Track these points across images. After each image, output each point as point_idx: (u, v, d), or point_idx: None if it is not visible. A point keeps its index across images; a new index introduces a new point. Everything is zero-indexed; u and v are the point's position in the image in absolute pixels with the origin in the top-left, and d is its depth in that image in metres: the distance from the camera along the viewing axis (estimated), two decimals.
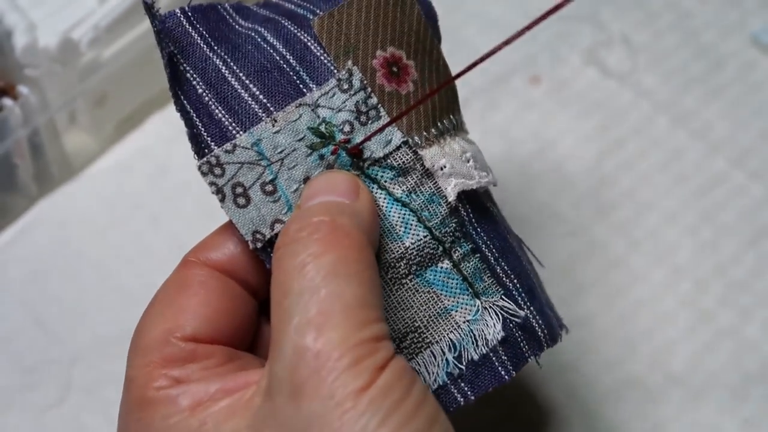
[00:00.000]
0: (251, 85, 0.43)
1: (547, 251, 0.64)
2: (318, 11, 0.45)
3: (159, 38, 0.43)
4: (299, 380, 0.36)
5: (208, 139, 0.42)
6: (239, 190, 0.42)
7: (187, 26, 0.44)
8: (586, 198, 0.66)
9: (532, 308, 0.45)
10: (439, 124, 0.45)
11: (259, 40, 0.44)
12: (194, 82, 0.43)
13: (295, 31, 0.44)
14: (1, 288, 0.63)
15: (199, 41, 0.44)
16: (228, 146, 0.42)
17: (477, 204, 0.45)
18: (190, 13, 0.44)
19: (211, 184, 0.42)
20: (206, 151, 0.42)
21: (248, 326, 0.44)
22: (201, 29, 0.44)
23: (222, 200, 0.42)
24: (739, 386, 0.60)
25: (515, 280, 0.45)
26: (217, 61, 0.43)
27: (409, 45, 0.45)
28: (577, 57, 0.72)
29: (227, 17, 0.46)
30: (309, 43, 0.44)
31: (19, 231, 0.65)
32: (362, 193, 0.42)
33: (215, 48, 0.44)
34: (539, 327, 0.45)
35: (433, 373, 0.43)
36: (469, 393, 0.43)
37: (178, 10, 0.44)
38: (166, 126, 0.69)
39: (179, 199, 0.66)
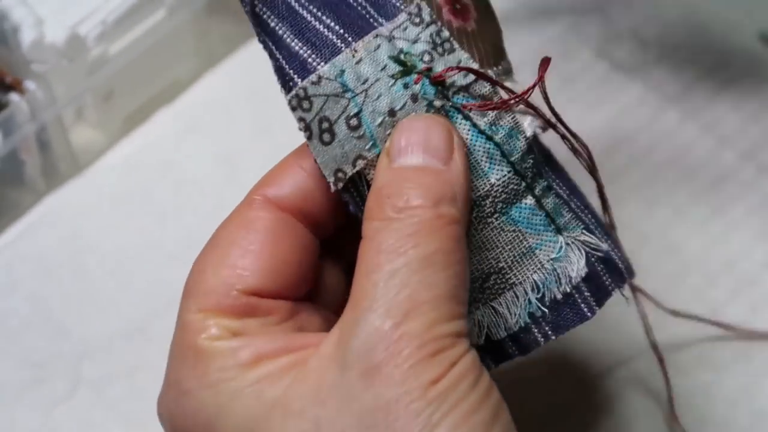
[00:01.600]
0: (324, 17, 0.43)
1: None
2: None
3: None
4: (375, 361, 0.36)
5: (291, 71, 0.42)
6: (325, 125, 0.41)
7: None
8: (596, 192, 0.65)
9: (609, 241, 0.45)
10: (501, 64, 0.44)
11: None
12: (265, 17, 0.43)
13: None
14: (9, 283, 0.63)
15: None
16: (314, 77, 0.41)
17: (539, 146, 0.45)
18: None
19: (300, 119, 0.41)
20: (291, 84, 0.42)
21: (312, 274, 0.43)
22: None
23: (309, 138, 0.41)
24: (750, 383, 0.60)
25: (590, 216, 0.45)
26: (297, 7, 0.43)
27: None
28: (587, 51, 0.72)
29: None
30: None
31: (27, 227, 0.65)
32: (457, 152, 0.41)
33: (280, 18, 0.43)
34: (618, 258, 0.45)
35: (515, 314, 0.42)
36: (550, 333, 0.42)
37: None
38: (174, 121, 0.69)
39: (187, 194, 0.66)
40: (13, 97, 0.62)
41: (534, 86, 0.42)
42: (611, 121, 0.69)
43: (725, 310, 0.62)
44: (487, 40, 0.44)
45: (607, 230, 0.47)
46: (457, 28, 0.43)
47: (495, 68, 0.44)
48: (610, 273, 0.44)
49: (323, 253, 0.44)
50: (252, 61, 0.71)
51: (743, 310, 0.62)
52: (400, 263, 0.38)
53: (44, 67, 0.63)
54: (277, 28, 0.43)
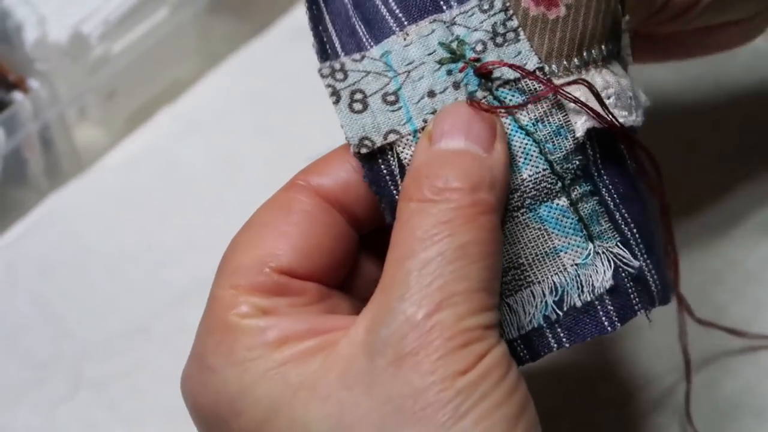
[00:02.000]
0: (391, 1, 0.43)
1: None
2: None
3: None
4: (405, 350, 0.36)
5: (337, 44, 0.42)
6: (358, 96, 0.41)
7: None
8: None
9: (648, 261, 0.43)
10: (585, 53, 0.43)
11: None
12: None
13: None
14: (11, 283, 0.63)
15: None
16: (356, 56, 0.42)
17: (608, 145, 0.43)
18: None
19: (329, 86, 0.41)
20: (330, 53, 0.42)
21: (346, 263, 0.43)
22: None
23: (336, 102, 0.41)
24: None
25: (634, 230, 0.43)
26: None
27: None
28: None
29: None
30: None
31: (29, 225, 0.65)
32: (499, 143, 0.41)
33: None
34: (653, 281, 0.43)
35: (529, 313, 0.41)
36: (564, 340, 0.41)
37: None
38: (177, 120, 0.69)
39: (189, 194, 0.66)
40: (16, 95, 0.62)
41: (570, 83, 0.41)
42: None
43: (728, 309, 0.62)
44: (586, 23, 0.43)
45: (661, 251, 0.45)
46: (534, 16, 0.42)
47: (577, 58, 0.43)
48: (639, 292, 0.43)
49: (365, 246, 0.44)
50: (254, 60, 0.71)
51: (747, 308, 0.62)
52: (435, 252, 0.37)
53: (47, 65, 0.63)
54: (349, 7, 0.43)
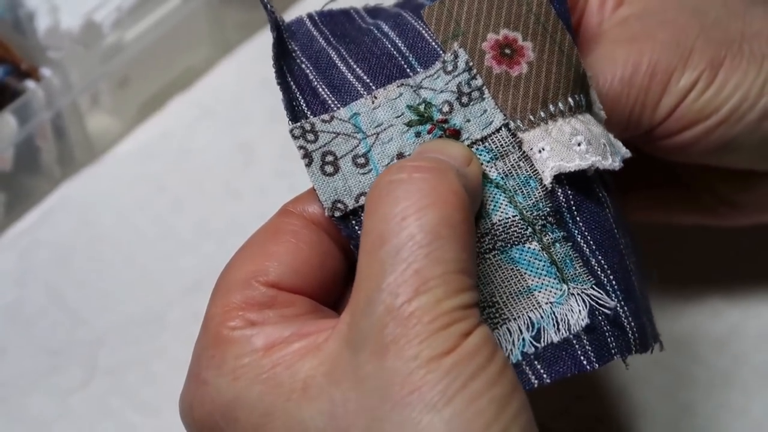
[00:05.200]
0: (351, 60, 0.44)
1: None
2: None
3: (272, 21, 0.44)
4: (387, 339, 0.37)
5: (304, 105, 0.43)
6: (329, 158, 0.42)
7: (311, 27, 0.45)
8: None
9: (626, 308, 0.43)
10: (551, 106, 0.44)
11: (376, 32, 0.45)
12: (303, 66, 0.44)
13: (412, 20, 0.45)
14: (25, 271, 0.63)
15: (319, 38, 0.45)
16: (326, 116, 0.43)
17: (583, 189, 0.44)
18: (317, 17, 0.46)
19: (300, 147, 0.42)
20: (299, 116, 0.43)
21: (335, 283, 0.44)
22: (324, 29, 0.46)
23: (308, 165, 0.42)
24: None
25: (611, 276, 0.43)
26: (332, 53, 0.44)
27: (527, 27, 0.44)
28: None
29: (356, 17, 0.47)
30: (423, 31, 0.45)
31: (43, 214, 0.65)
32: (473, 164, 0.42)
33: (333, 42, 0.45)
34: (630, 327, 0.43)
35: (507, 350, 0.41)
36: (544, 375, 0.41)
37: (305, 16, 0.46)
38: (189, 108, 0.69)
39: (202, 181, 0.66)
40: (29, 84, 0.62)
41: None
42: None
43: (722, 313, 0.61)
44: (549, 78, 0.44)
45: (641, 301, 0.45)
46: (497, 75, 0.44)
47: (543, 111, 0.44)
48: (616, 337, 0.43)
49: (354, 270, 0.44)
50: (266, 48, 0.69)
51: (739, 312, 0.61)
52: (405, 236, 0.37)
53: (60, 53, 0.63)
54: (300, 62, 0.44)
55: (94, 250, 0.64)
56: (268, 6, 0.44)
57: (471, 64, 0.43)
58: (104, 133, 0.67)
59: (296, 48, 0.45)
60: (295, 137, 0.42)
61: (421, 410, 0.36)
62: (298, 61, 0.44)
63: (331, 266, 0.43)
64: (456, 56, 0.44)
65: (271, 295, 0.41)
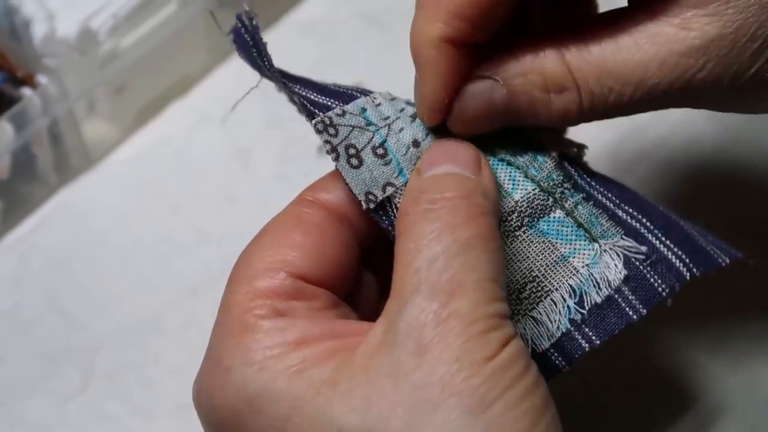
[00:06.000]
0: (339, 87, 0.45)
1: None
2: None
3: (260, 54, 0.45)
4: (426, 340, 0.37)
5: (315, 109, 0.44)
6: (352, 151, 0.43)
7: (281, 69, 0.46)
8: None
9: (667, 241, 0.44)
10: None
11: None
12: (289, 84, 0.45)
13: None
14: (23, 277, 0.63)
15: (293, 74, 0.46)
16: (338, 110, 0.43)
17: (583, 167, 0.46)
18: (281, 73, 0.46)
19: (326, 142, 0.43)
20: (315, 114, 0.43)
21: (352, 274, 0.44)
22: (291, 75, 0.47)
23: (336, 159, 0.43)
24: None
25: (643, 219, 0.45)
26: (301, 77, 0.46)
27: None
28: None
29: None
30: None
31: (40, 220, 0.65)
32: (484, 167, 0.42)
33: (305, 78, 0.46)
34: (677, 257, 0.44)
35: (555, 321, 0.43)
36: (593, 338, 0.42)
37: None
38: (186, 114, 0.69)
39: (199, 187, 0.66)
40: (26, 91, 0.62)
41: None
42: None
43: (735, 300, 0.62)
44: None
45: (686, 227, 0.46)
46: None
47: None
48: (660, 273, 0.44)
49: (363, 262, 0.45)
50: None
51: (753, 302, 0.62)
52: (440, 249, 0.38)
53: (56, 61, 0.63)
54: (299, 90, 0.45)
55: (91, 256, 0.64)
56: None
57: None
58: (101, 140, 0.68)
59: (287, 81, 0.45)
60: (319, 131, 0.43)
61: (460, 414, 0.36)
62: (290, 85, 0.45)
63: (351, 259, 0.44)
64: None
65: (298, 287, 0.41)
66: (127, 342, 0.61)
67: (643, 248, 0.44)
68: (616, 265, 0.43)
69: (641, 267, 0.44)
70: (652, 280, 0.43)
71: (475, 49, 0.42)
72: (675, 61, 0.41)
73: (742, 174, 0.67)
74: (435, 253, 0.38)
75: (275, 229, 0.43)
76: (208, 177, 0.66)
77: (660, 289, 0.43)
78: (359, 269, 0.45)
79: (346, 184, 0.43)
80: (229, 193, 0.66)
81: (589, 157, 0.47)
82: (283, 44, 0.71)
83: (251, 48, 0.44)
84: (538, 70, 0.42)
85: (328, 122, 0.43)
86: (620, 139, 0.67)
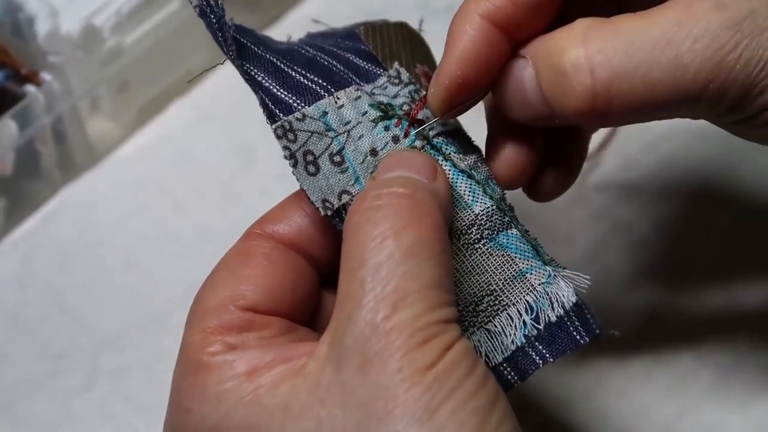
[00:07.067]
0: (308, 74, 0.45)
1: (572, 234, 0.64)
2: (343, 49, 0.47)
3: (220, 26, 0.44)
4: (369, 354, 0.37)
5: (275, 110, 0.43)
6: (309, 158, 0.43)
7: (255, 49, 0.46)
8: (611, 179, 0.66)
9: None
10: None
11: (302, 50, 0.47)
12: (253, 72, 0.44)
13: (335, 49, 0.47)
14: (27, 275, 0.63)
15: (265, 54, 0.45)
16: (298, 115, 0.43)
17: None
18: (259, 45, 0.46)
19: (285, 148, 0.43)
20: (276, 118, 0.43)
21: (309, 300, 0.44)
22: (266, 50, 0.46)
23: (294, 166, 0.43)
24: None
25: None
26: (271, 58, 0.45)
27: (431, 67, 0.48)
28: None
29: (266, 40, 0.48)
30: (350, 57, 0.46)
31: (44, 218, 0.65)
32: (440, 175, 0.42)
33: (265, 53, 0.45)
34: (588, 309, 0.44)
35: (510, 334, 0.43)
36: (547, 355, 0.43)
37: (247, 42, 0.46)
38: (189, 112, 0.69)
39: (202, 185, 0.66)
40: (29, 88, 0.62)
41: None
42: None
43: (738, 297, 0.62)
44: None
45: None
46: None
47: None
48: (591, 313, 0.44)
49: (324, 284, 0.45)
50: None
51: (758, 299, 0.62)
52: (383, 257, 0.38)
53: (59, 58, 0.63)
54: (261, 80, 0.44)
55: (95, 254, 0.64)
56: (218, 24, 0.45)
57: (413, 79, 0.46)
58: (104, 137, 0.68)
59: (250, 65, 0.45)
60: (278, 137, 0.43)
61: (406, 424, 0.36)
62: (258, 77, 0.45)
63: (304, 284, 0.44)
64: (399, 73, 0.46)
65: (249, 319, 0.42)
66: (131, 340, 0.61)
67: (587, 281, 0.44)
68: (566, 288, 0.43)
69: (580, 301, 0.44)
70: (588, 315, 0.44)
71: (511, 39, 0.42)
72: (711, 36, 0.39)
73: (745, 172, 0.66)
74: (378, 262, 0.38)
75: (226, 265, 0.44)
76: (210, 174, 0.66)
77: (594, 326, 0.43)
78: (317, 291, 0.45)
79: (303, 190, 0.43)
80: (231, 191, 0.66)
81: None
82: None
83: (216, 31, 0.44)
84: (562, 46, 0.41)
85: (287, 127, 0.43)
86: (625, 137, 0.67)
